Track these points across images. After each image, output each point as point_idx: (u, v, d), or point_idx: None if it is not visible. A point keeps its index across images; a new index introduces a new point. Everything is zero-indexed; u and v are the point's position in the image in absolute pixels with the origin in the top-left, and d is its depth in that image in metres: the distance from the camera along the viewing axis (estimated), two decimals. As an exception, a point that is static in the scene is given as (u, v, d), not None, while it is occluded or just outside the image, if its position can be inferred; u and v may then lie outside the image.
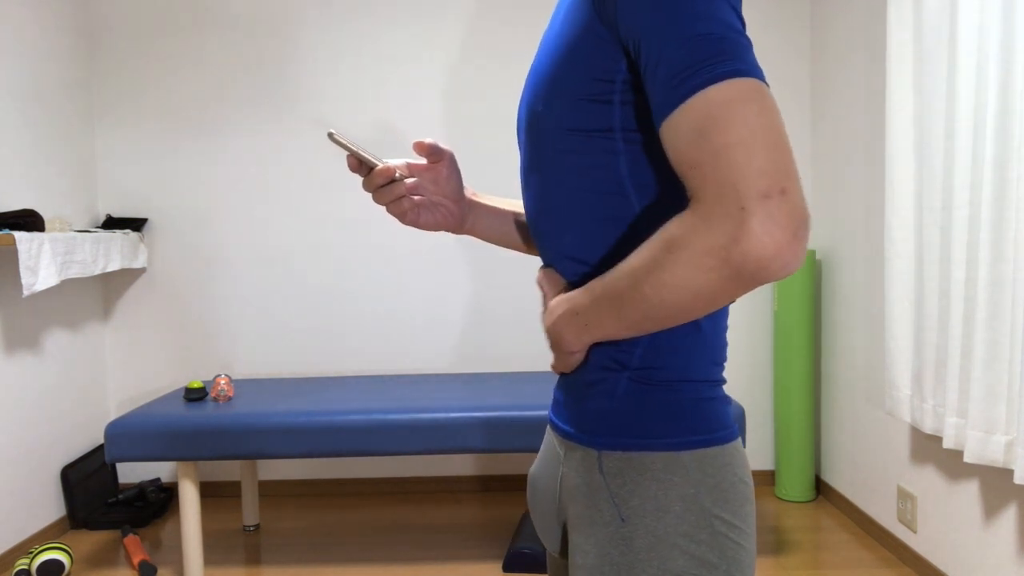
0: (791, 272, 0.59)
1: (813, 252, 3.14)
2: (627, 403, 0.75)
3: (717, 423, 0.75)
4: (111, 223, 3.27)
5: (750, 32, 3.34)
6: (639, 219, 0.73)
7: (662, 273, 0.63)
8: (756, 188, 0.57)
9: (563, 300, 0.76)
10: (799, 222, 0.57)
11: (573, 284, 0.79)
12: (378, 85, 3.35)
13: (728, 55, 0.60)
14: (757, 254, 0.57)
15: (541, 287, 0.82)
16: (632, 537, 0.72)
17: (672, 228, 0.62)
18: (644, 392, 0.74)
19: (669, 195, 0.73)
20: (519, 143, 0.85)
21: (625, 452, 0.73)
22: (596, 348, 0.77)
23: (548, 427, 0.87)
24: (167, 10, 3.34)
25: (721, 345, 0.78)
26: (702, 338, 0.75)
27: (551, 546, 0.85)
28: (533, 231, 0.83)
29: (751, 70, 0.60)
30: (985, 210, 1.95)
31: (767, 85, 0.61)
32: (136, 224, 3.30)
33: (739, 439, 0.77)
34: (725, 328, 0.79)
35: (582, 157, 0.74)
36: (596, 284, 0.71)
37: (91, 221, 3.33)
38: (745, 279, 0.59)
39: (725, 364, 0.82)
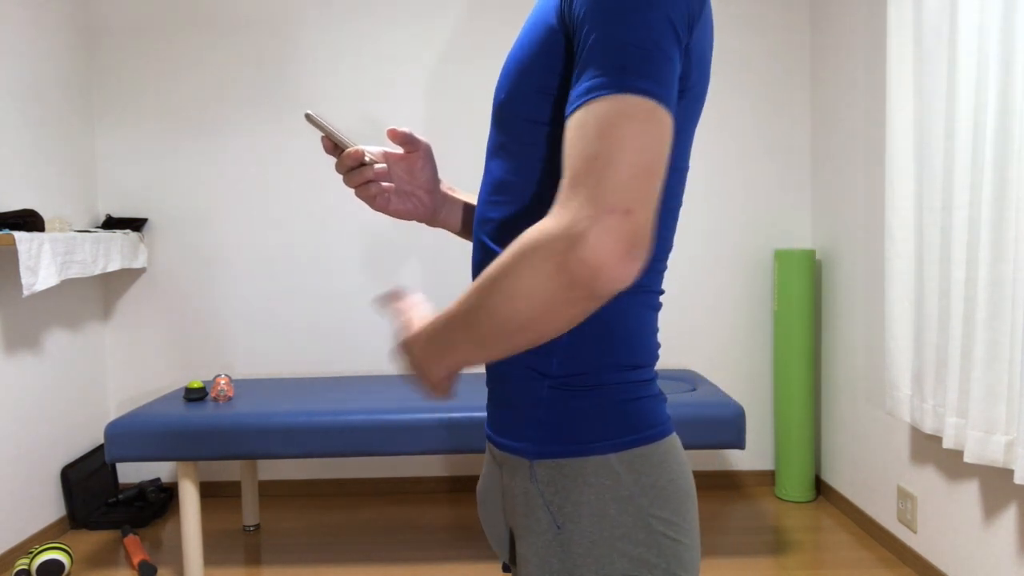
0: (616, 288, 0.59)
1: (813, 252, 3.15)
2: (552, 411, 0.75)
3: (645, 422, 0.74)
4: (111, 223, 3.27)
5: (750, 33, 3.34)
6: None
7: (509, 279, 0.62)
8: (605, 201, 0.58)
9: (422, 330, 0.75)
10: (635, 243, 0.58)
11: None
12: (378, 85, 3.35)
13: (644, 72, 0.61)
14: (591, 262, 0.58)
15: (402, 314, 0.80)
16: (569, 543, 0.72)
17: (530, 231, 0.62)
18: (567, 398, 0.74)
19: None
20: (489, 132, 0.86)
21: (555, 459, 0.74)
22: (514, 358, 0.77)
23: (487, 440, 0.87)
24: (167, 10, 3.34)
25: (646, 345, 0.77)
26: (621, 339, 0.75)
27: (503, 556, 0.86)
28: (479, 216, 0.82)
29: (658, 94, 0.61)
30: (985, 210, 1.95)
31: (670, 112, 0.62)
32: (136, 224, 3.30)
33: (673, 435, 0.77)
34: (655, 331, 0.78)
35: (537, 149, 0.75)
36: (452, 304, 0.70)
37: (91, 221, 3.33)
38: (579, 287, 0.59)
39: (656, 362, 0.82)
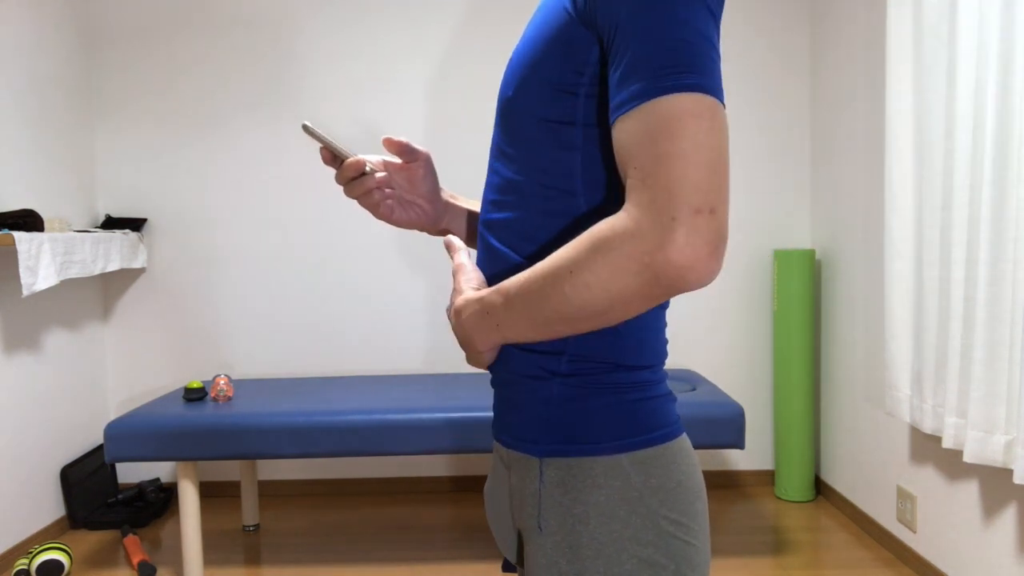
0: (705, 284, 0.61)
1: (813, 252, 3.15)
2: (562, 410, 0.74)
3: (656, 422, 0.74)
4: (111, 223, 3.27)
5: (750, 33, 3.34)
6: (583, 219, 0.73)
7: (585, 273, 0.63)
8: (689, 202, 0.59)
9: (473, 300, 0.75)
10: (719, 241, 0.60)
11: (504, 273, 0.78)
12: (378, 85, 3.35)
13: (696, 68, 0.61)
14: (678, 263, 0.59)
15: (455, 277, 0.81)
16: (578, 545, 0.71)
17: (602, 229, 0.63)
18: (578, 398, 0.74)
19: (616, 199, 0.73)
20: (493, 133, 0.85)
21: (565, 459, 0.73)
22: (522, 358, 0.77)
23: (494, 441, 0.86)
24: (167, 10, 3.34)
25: (655, 343, 0.77)
26: (630, 338, 0.75)
27: (511, 557, 0.85)
28: (483, 216, 0.82)
29: (713, 88, 0.61)
30: (985, 210, 1.95)
31: (723, 106, 0.63)
32: (136, 224, 3.30)
33: (683, 435, 0.76)
34: (663, 328, 0.78)
35: (543, 149, 0.74)
36: (511, 283, 0.71)
37: (91, 221, 3.33)
38: (663, 286, 0.61)
39: (665, 361, 0.82)
